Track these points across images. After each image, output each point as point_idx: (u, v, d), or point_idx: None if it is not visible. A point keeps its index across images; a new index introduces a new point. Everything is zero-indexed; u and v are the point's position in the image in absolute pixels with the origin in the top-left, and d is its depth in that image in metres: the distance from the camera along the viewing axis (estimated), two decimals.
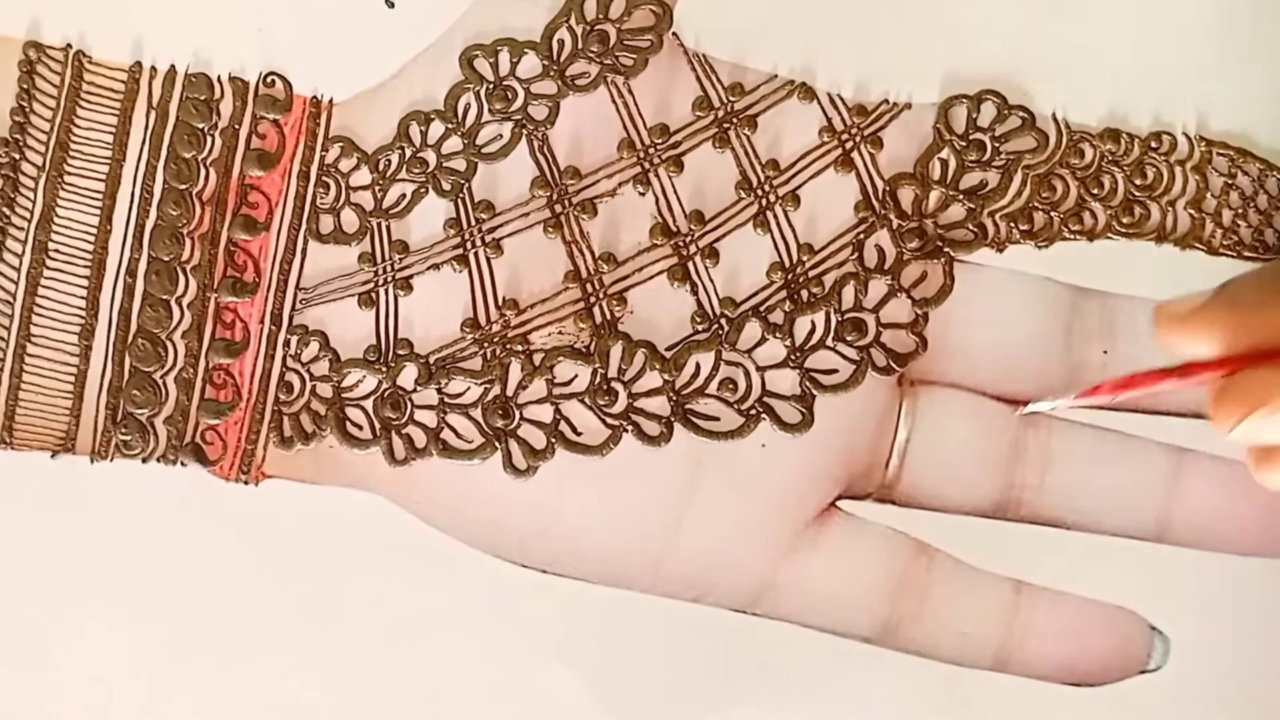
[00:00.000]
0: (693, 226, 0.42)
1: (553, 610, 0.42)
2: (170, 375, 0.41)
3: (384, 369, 0.41)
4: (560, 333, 0.41)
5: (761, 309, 0.42)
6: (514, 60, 0.41)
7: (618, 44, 0.42)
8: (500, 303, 0.41)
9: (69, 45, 0.41)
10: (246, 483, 0.41)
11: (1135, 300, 0.43)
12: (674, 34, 0.42)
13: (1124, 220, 0.43)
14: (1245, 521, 0.43)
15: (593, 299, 0.41)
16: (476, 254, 0.41)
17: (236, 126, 0.41)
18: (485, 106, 0.41)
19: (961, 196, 0.43)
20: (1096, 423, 0.43)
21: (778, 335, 0.41)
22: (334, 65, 0.42)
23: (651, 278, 0.42)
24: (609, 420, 0.41)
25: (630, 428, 0.41)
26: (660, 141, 0.42)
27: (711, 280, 0.42)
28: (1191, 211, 0.43)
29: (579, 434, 0.41)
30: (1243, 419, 0.31)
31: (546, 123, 0.41)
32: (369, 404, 0.41)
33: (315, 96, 0.42)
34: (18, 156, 0.40)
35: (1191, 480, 0.43)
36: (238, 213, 0.41)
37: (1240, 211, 0.43)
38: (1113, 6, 0.43)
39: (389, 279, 0.41)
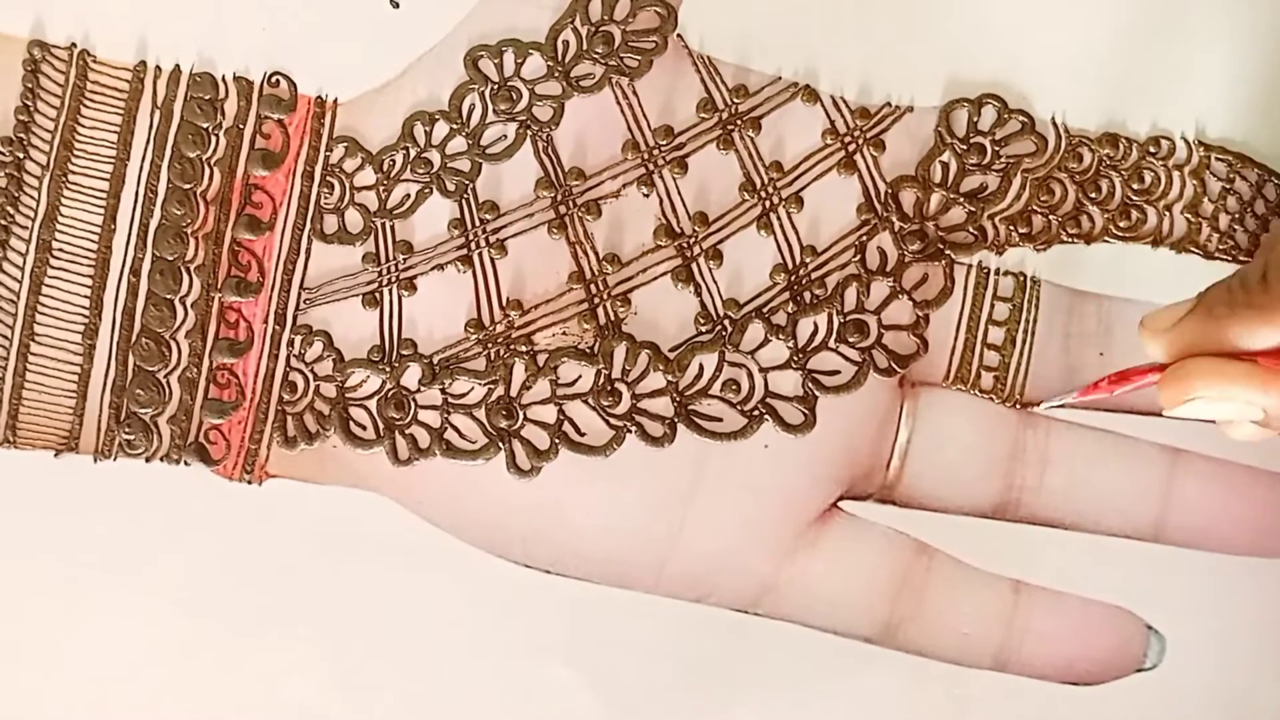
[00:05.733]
0: (696, 228, 0.42)
1: (555, 611, 0.42)
2: (174, 374, 0.40)
3: (388, 369, 0.41)
4: (564, 333, 0.41)
5: (764, 310, 0.42)
6: (519, 61, 0.41)
7: (622, 45, 0.42)
8: (504, 303, 0.41)
9: (73, 44, 0.41)
10: (250, 482, 0.41)
11: (1131, 303, 0.43)
12: (679, 36, 0.42)
13: (1121, 224, 0.44)
14: (1240, 522, 0.43)
15: (596, 300, 0.42)
16: (480, 254, 0.41)
17: (241, 126, 0.41)
18: (490, 107, 0.41)
19: (962, 199, 0.43)
20: (1094, 424, 0.43)
21: (780, 336, 0.42)
22: (338, 65, 0.42)
23: (655, 279, 0.42)
24: (612, 421, 0.41)
25: (634, 428, 0.41)
26: (664, 143, 0.42)
27: (715, 281, 0.42)
28: (1188, 216, 0.44)
29: (582, 434, 0.41)
30: (1178, 404, 0.36)
31: (551, 123, 0.41)
32: (373, 404, 0.41)
33: (320, 96, 0.42)
34: (22, 155, 0.40)
35: (1187, 481, 0.43)
36: (242, 212, 0.41)
37: (1237, 216, 0.44)
38: (1113, 11, 0.44)
39: (393, 279, 0.41)
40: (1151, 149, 0.44)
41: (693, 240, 0.42)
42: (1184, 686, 0.44)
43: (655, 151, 0.42)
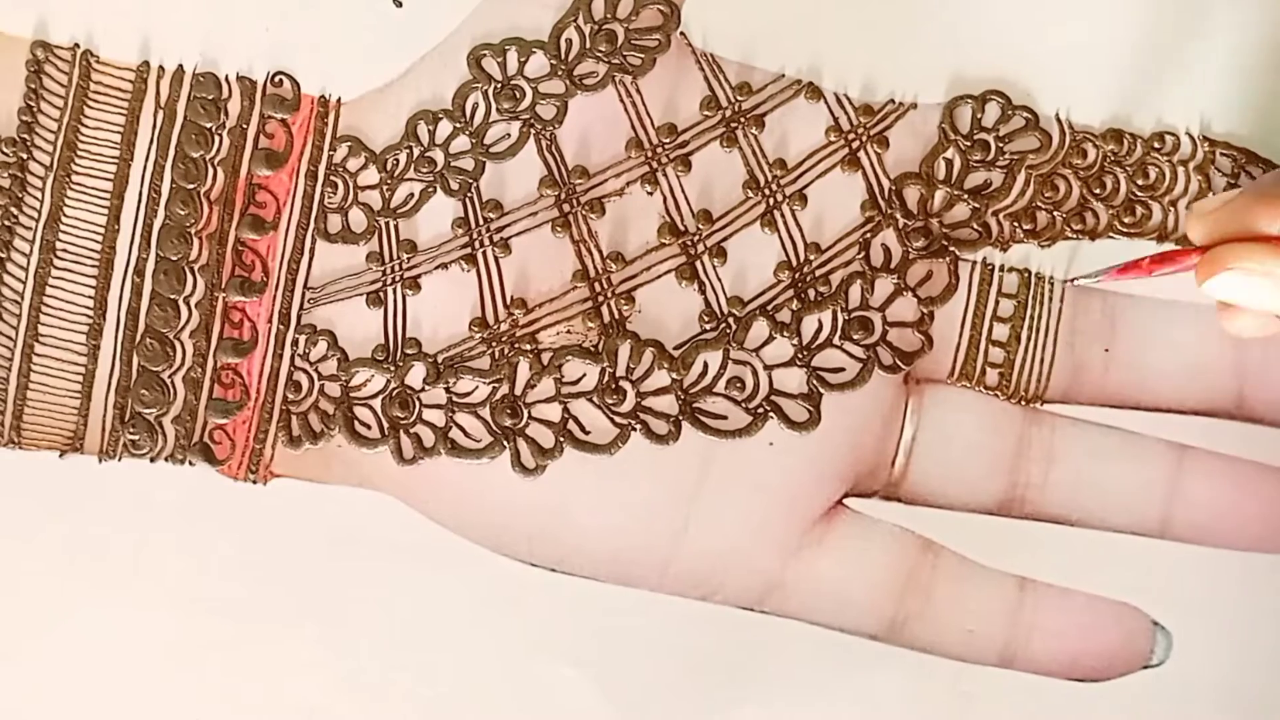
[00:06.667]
0: (700, 226, 0.42)
1: (560, 609, 0.42)
2: (178, 375, 0.40)
3: (392, 368, 0.41)
4: (568, 331, 0.41)
5: (769, 308, 0.42)
6: (522, 60, 0.41)
7: (625, 43, 0.42)
8: (508, 302, 0.41)
9: (76, 45, 0.41)
10: (254, 482, 0.41)
11: (1136, 299, 0.43)
12: (682, 33, 0.42)
13: (1126, 220, 0.44)
14: (1247, 518, 0.43)
15: (601, 298, 0.42)
16: (485, 253, 0.41)
17: (244, 126, 0.41)
18: (493, 106, 0.41)
19: (966, 196, 0.43)
20: (1099, 420, 0.43)
21: (785, 334, 0.42)
22: (342, 65, 0.42)
23: (659, 277, 0.42)
24: (617, 419, 0.41)
25: (638, 426, 0.41)
26: (668, 141, 0.42)
27: (719, 279, 0.42)
28: None
29: (587, 433, 0.41)
30: (1214, 274, 0.35)
31: (554, 122, 0.41)
32: (377, 403, 0.41)
33: (323, 96, 0.42)
34: (25, 156, 0.40)
35: (1193, 477, 0.43)
36: (245, 212, 0.41)
37: None
38: (1117, 6, 0.43)
39: (397, 278, 0.41)
40: (1156, 144, 0.44)
41: (697, 238, 0.42)
42: (1191, 683, 0.44)
43: (659, 149, 0.42)
